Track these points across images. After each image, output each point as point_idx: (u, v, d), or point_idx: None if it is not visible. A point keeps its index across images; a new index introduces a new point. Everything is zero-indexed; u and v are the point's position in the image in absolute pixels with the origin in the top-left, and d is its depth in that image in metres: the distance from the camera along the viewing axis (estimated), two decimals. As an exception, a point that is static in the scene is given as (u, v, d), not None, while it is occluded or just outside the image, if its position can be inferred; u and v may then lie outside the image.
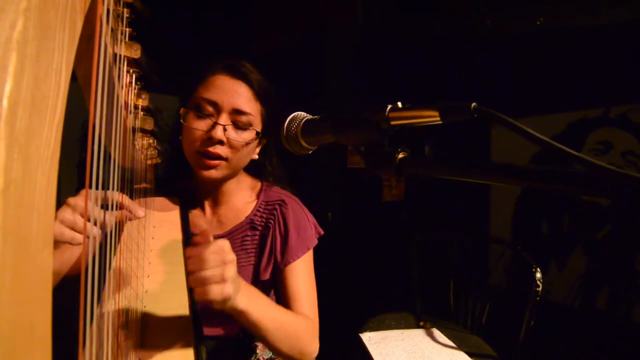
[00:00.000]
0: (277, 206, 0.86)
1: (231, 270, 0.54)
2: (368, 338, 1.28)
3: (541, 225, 2.45)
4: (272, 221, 0.85)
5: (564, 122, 2.36)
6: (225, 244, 0.55)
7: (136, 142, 0.65)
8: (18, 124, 0.21)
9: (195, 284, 0.53)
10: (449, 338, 1.31)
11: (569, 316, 2.27)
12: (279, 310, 0.71)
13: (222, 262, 0.53)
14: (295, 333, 0.72)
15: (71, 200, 0.53)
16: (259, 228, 0.86)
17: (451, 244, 1.59)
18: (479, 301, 1.46)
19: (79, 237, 0.51)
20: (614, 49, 2.11)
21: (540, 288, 1.23)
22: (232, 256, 0.55)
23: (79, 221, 0.51)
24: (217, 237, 0.85)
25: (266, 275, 0.84)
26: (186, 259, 0.54)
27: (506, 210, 2.53)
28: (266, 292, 0.88)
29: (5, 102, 0.20)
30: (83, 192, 0.52)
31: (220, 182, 0.83)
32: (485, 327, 1.43)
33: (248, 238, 0.86)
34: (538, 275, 1.24)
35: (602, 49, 2.15)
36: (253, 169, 0.88)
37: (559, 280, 2.35)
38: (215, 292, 0.52)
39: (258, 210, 0.87)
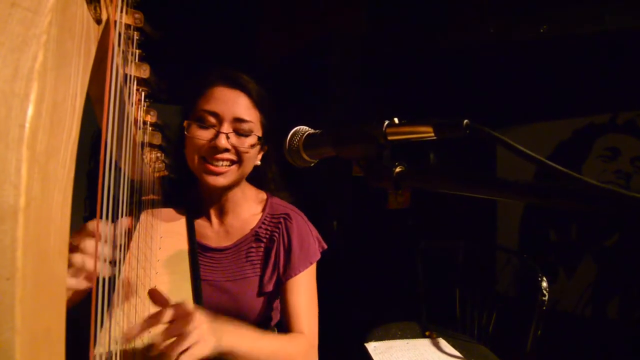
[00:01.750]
0: (282, 219, 0.88)
1: (201, 330, 0.56)
2: (373, 348, 1.28)
3: (549, 233, 2.42)
4: (276, 234, 0.87)
5: (570, 128, 2.35)
6: (187, 307, 0.57)
7: (145, 156, 0.67)
8: (38, 146, 0.23)
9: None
10: (455, 348, 1.30)
11: (579, 325, 2.24)
12: (268, 338, 0.74)
13: (190, 327, 0.55)
14: (289, 357, 0.74)
15: (76, 240, 0.52)
16: (264, 240, 0.88)
17: (457, 252, 1.59)
18: (485, 310, 1.45)
19: (85, 284, 0.52)
20: (620, 54, 2.11)
21: (546, 297, 1.22)
22: (197, 319, 0.57)
23: (86, 264, 0.51)
24: (224, 248, 0.87)
25: (270, 287, 0.86)
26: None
27: (513, 218, 2.51)
28: (271, 303, 0.89)
29: (27, 127, 0.22)
30: (87, 226, 0.53)
31: (226, 190, 0.85)
32: (492, 337, 1.42)
33: (253, 250, 0.87)
34: (544, 284, 1.23)
35: (608, 55, 2.15)
36: (255, 177, 0.90)
37: (569, 289, 2.32)
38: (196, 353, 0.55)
39: (263, 223, 0.88)
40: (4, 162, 0.21)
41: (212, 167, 0.78)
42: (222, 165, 0.78)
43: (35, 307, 0.23)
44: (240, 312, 0.84)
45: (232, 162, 0.80)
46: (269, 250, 0.87)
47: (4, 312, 0.20)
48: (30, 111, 0.23)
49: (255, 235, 0.88)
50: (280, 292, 0.86)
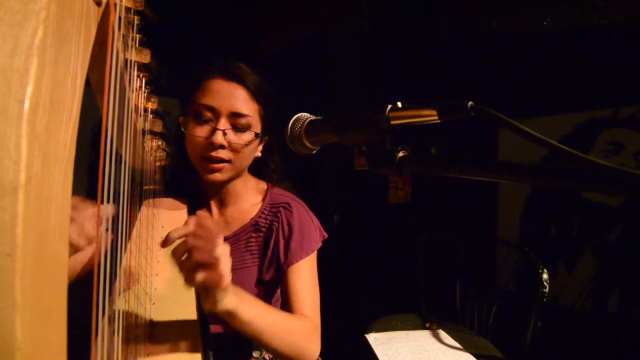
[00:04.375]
0: (281, 209, 0.87)
1: (223, 260, 0.55)
2: (374, 339, 1.28)
3: (550, 227, 2.42)
4: (276, 223, 0.86)
5: (573, 122, 2.34)
6: (227, 249, 0.56)
7: (146, 144, 0.67)
8: (38, 123, 0.23)
9: (190, 264, 0.53)
10: (455, 339, 1.30)
11: (579, 319, 2.24)
12: (274, 311, 0.71)
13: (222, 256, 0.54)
14: (292, 334, 0.71)
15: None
16: (263, 230, 0.87)
17: (458, 245, 1.59)
18: (485, 303, 1.45)
19: (83, 243, 0.52)
20: (623, 48, 2.10)
21: (547, 289, 1.23)
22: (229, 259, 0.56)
23: (85, 227, 0.52)
24: (226, 240, 0.87)
25: (268, 277, 0.85)
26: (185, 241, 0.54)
27: (514, 212, 2.51)
28: (271, 293, 0.89)
29: (27, 103, 0.22)
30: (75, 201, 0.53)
31: (226, 183, 0.85)
32: (492, 329, 1.42)
33: (253, 240, 0.87)
34: (545, 276, 1.23)
35: (610, 48, 2.13)
36: (256, 168, 0.90)
37: (569, 283, 2.32)
38: (217, 278, 0.54)
39: (263, 212, 0.88)
40: (3, 138, 0.21)
41: (210, 165, 0.78)
42: (219, 162, 0.78)
43: (36, 286, 0.22)
44: None
45: (229, 160, 0.79)
46: (268, 239, 0.86)
47: (4, 288, 0.20)
48: (30, 87, 0.22)
49: (254, 225, 0.87)
50: (281, 280, 0.85)
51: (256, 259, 0.86)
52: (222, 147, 0.77)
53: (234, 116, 0.78)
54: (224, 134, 0.77)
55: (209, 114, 0.78)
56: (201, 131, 0.77)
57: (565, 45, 2.26)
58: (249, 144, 0.80)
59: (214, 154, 0.77)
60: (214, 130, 0.76)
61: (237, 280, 0.85)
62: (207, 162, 0.78)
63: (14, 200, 0.20)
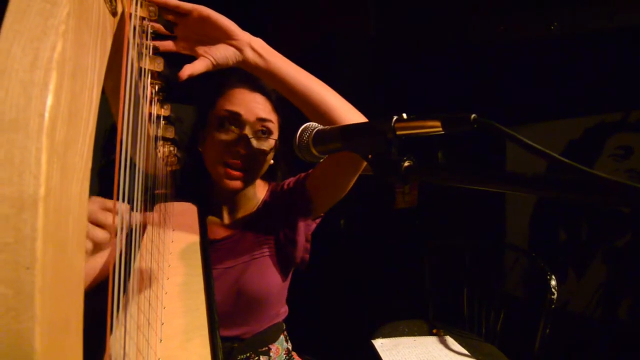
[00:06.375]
0: (278, 187, 0.91)
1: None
2: (380, 344, 1.28)
3: (559, 233, 2.40)
4: (276, 198, 0.89)
5: (581, 126, 2.32)
6: None
7: (158, 150, 0.67)
8: (57, 136, 0.23)
9: None
10: (463, 346, 1.29)
11: (589, 326, 2.21)
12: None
13: None
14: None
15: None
16: (268, 212, 0.90)
17: (465, 250, 1.58)
18: (493, 309, 1.44)
19: (108, 237, 0.52)
20: (632, 52, 2.07)
21: (555, 296, 1.21)
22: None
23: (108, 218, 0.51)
24: (232, 235, 0.87)
25: (285, 257, 0.86)
26: None
27: (523, 217, 2.48)
28: (285, 278, 0.90)
29: (46, 116, 0.23)
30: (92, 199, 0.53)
31: (241, 190, 0.86)
32: (500, 336, 1.41)
33: (261, 227, 0.89)
34: (553, 282, 1.22)
35: (619, 52, 2.11)
36: (265, 173, 0.92)
37: (578, 290, 2.29)
38: None
39: (266, 201, 0.91)
40: (24, 152, 0.21)
41: (231, 172, 0.79)
42: (240, 169, 0.79)
43: (54, 297, 0.23)
44: (256, 294, 0.84)
45: (250, 168, 0.80)
46: (275, 217, 0.88)
47: (24, 301, 0.20)
48: (49, 100, 0.23)
49: (259, 212, 0.89)
50: (312, 184, 0.84)
51: (271, 243, 0.88)
52: (246, 155, 0.78)
53: (260, 121, 0.80)
54: (248, 141, 0.78)
55: (233, 121, 0.79)
56: (225, 137, 0.79)
57: (573, 49, 2.24)
58: (269, 153, 0.82)
59: (234, 161, 0.78)
60: (238, 137, 0.78)
61: (250, 272, 0.85)
62: (227, 168, 0.79)
63: (34, 214, 0.21)
